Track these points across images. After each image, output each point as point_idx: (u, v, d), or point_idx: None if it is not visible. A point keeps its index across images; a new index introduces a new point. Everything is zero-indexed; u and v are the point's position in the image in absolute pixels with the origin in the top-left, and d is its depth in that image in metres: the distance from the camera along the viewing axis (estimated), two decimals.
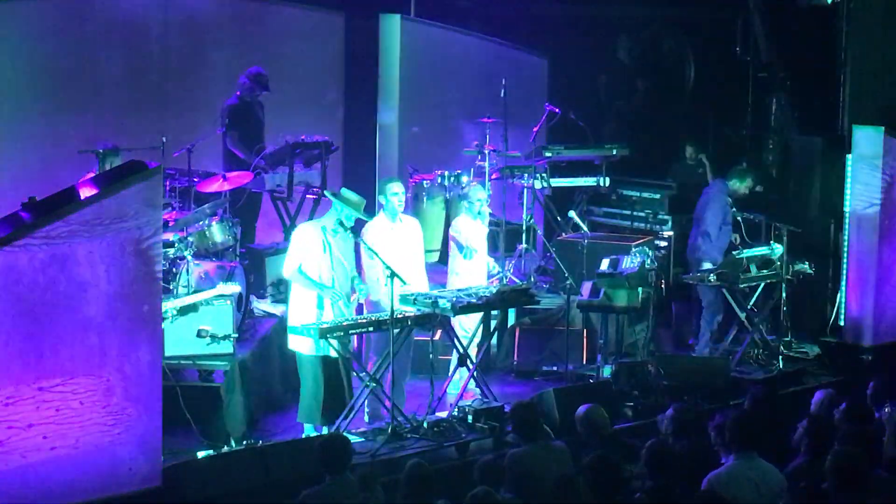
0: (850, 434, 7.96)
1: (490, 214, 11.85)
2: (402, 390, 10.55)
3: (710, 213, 12.39)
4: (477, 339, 11.01)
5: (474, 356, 10.77)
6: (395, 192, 10.62)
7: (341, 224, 10.01)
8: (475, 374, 10.48)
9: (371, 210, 10.86)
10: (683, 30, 16.22)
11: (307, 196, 13.01)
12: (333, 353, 9.87)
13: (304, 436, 9.96)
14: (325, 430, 9.89)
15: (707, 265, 12.22)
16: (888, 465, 7.96)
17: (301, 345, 9.97)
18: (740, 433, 7.65)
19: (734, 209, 12.66)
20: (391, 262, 9.94)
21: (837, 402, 9.03)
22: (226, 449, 9.37)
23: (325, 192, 10.68)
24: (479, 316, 10.82)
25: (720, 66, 15.57)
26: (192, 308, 10.08)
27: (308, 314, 9.96)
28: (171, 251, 10.64)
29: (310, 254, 10.02)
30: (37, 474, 7.80)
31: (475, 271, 11.44)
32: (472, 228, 11.44)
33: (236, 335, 10.34)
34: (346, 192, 10.18)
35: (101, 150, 11.63)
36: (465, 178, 13.22)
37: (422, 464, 7.64)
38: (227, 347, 10.20)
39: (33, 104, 12.79)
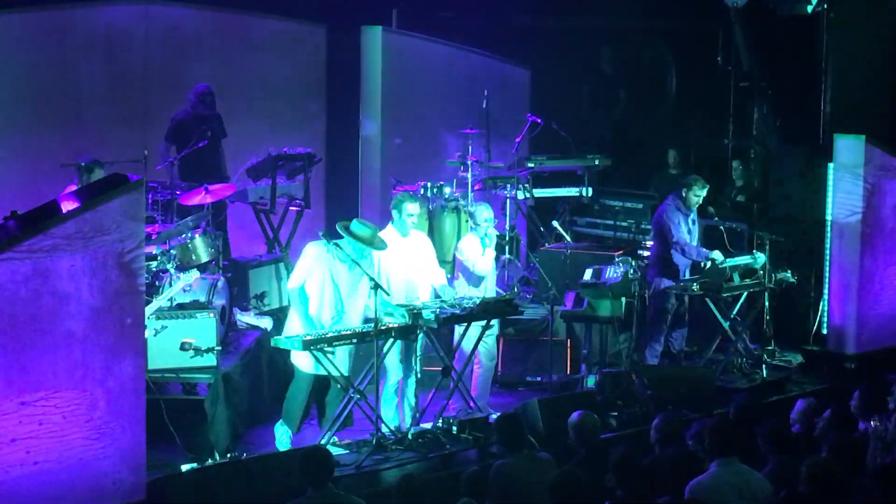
0: (834, 442, 7.96)
1: (497, 235, 11.39)
2: (405, 397, 10.56)
3: (673, 227, 12.02)
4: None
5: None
6: (410, 213, 10.49)
7: (351, 258, 9.83)
8: (459, 384, 10.50)
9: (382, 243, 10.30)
10: (665, 40, 16.25)
11: (290, 208, 13.00)
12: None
13: (276, 438, 10.04)
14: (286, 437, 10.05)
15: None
16: (873, 478, 7.95)
17: (300, 361, 9.93)
18: (719, 439, 7.67)
19: (716, 219, 12.65)
20: (404, 273, 10.20)
21: (819, 410, 9.05)
22: (210, 462, 9.35)
23: (338, 227, 9.99)
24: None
25: (702, 76, 15.60)
26: (173, 315, 10.09)
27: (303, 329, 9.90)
28: (154, 264, 10.63)
29: (313, 274, 9.92)
30: (20, 489, 7.76)
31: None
32: (479, 251, 11.14)
33: (220, 348, 10.33)
34: (356, 226, 9.92)
35: (82, 164, 11.61)
36: (447, 189, 13.20)
37: (413, 476, 7.63)
38: (210, 360, 10.21)
39: (15, 117, 12.77)
